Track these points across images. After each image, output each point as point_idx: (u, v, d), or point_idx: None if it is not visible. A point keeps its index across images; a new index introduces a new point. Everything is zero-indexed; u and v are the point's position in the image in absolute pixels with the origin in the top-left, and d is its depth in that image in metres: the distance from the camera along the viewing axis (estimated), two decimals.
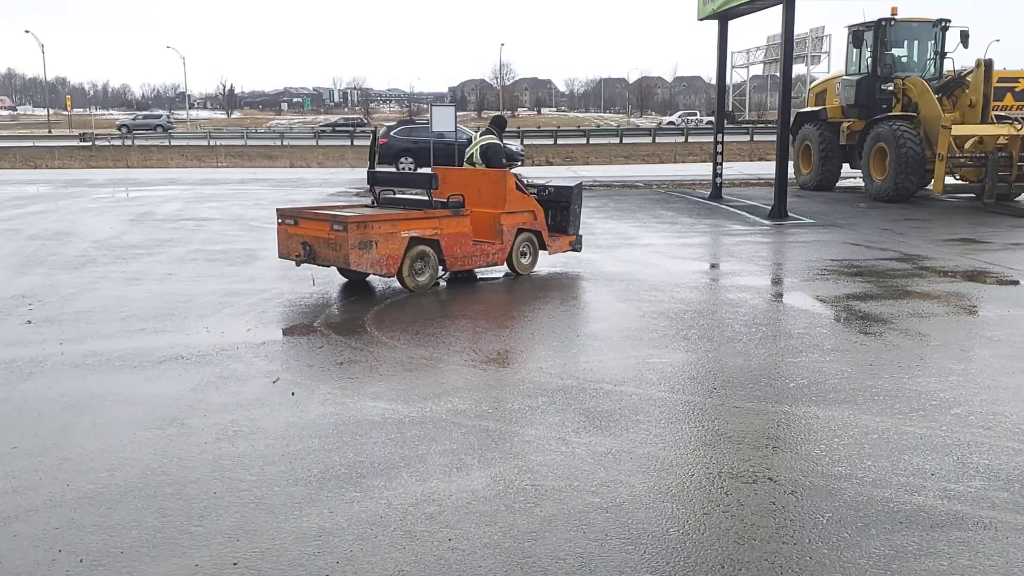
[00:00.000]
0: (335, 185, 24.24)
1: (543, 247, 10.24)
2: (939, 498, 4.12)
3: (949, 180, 17.75)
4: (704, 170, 26.25)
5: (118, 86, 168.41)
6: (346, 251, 8.42)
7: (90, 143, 43.76)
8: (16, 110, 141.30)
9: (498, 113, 15.47)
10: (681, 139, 48.30)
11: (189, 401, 5.58)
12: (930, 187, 18.34)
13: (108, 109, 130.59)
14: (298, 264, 9.07)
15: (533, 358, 6.64)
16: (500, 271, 10.10)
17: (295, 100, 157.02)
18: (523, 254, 10.02)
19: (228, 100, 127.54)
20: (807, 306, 8.69)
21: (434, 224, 9.03)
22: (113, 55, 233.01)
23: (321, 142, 47.02)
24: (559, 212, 10.53)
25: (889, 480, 4.33)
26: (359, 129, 52.81)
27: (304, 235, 8.88)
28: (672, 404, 5.53)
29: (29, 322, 7.65)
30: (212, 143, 45.50)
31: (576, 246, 10.69)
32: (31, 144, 44.32)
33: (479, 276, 9.95)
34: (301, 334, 7.37)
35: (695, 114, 79.88)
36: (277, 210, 9.49)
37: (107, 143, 43.89)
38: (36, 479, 4.34)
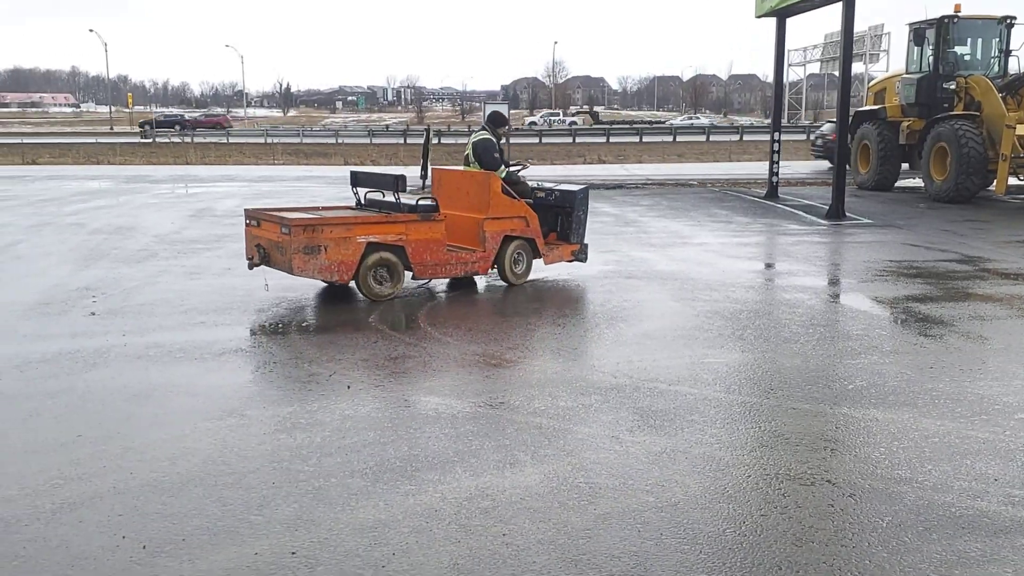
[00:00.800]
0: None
1: (538, 255, 9.47)
2: (1002, 504, 4.02)
3: (1012, 181, 17.29)
4: (759, 169, 25.94)
5: (178, 84, 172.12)
6: (289, 256, 7.93)
7: (150, 139, 44.75)
8: (79, 107, 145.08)
9: (495, 108, 14.42)
10: (736, 137, 47.80)
11: (248, 393, 5.68)
12: (992, 188, 17.89)
13: (168, 106, 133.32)
14: (251, 267, 8.63)
15: (586, 356, 6.63)
16: (556, 270, 10.07)
17: (349, 98, 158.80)
18: (516, 262, 9.29)
19: (284, 98, 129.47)
20: (866, 307, 8.54)
21: (399, 229, 8.39)
22: (174, 53, 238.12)
23: (375, 140, 47.46)
24: (565, 218, 9.82)
25: (951, 485, 4.24)
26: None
27: (260, 237, 8.43)
28: (728, 404, 5.48)
29: (93, 314, 7.85)
30: (269, 141, 46.21)
31: (580, 256, 9.86)
32: (94, 140, 45.45)
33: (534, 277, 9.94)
34: (356, 329, 7.45)
35: (558, 114, 77.23)
36: (245, 211, 9.06)
37: (167, 140, 44.86)
38: (100, 467, 4.45)
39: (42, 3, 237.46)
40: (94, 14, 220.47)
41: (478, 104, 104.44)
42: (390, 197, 8.75)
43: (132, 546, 3.61)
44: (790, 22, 19.65)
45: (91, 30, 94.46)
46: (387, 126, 55.62)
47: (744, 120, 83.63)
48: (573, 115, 70.15)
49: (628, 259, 10.95)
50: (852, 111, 20.63)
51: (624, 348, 6.78)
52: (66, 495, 4.11)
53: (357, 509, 3.96)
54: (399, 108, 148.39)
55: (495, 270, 9.27)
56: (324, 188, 22.68)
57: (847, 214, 15.80)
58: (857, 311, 8.40)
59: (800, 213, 16.65)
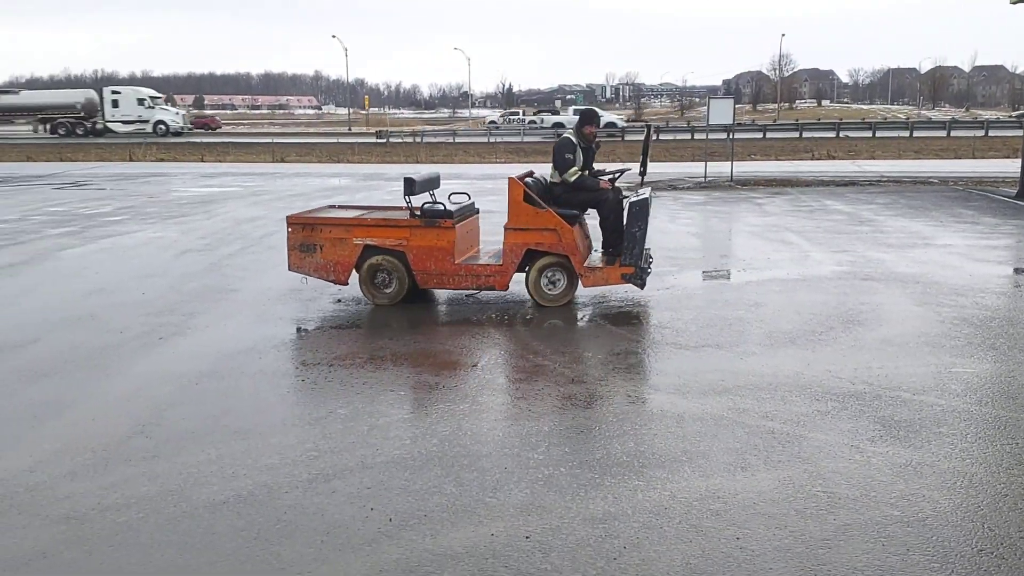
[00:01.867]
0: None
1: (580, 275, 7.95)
2: None
3: None
4: (1007, 167, 23.68)
5: (409, 87, 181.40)
6: (288, 252, 8.21)
7: (384, 140, 47.44)
8: (321, 109, 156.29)
9: (587, 106, 12.13)
10: (981, 132, 43.93)
11: (479, 381, 5.90)
12: None
13: (399, 108, 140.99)
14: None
15: (821, 360, 6.33)
16: (783, 269, 9.70)
17: (568, 97, 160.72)
18: (551, 282, 7.99)
19: (506, 98, 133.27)
20: None
21: (401, 234, 7.95)
22: (407, 57, 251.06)
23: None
24: (609, 232, 8.28)
25: None
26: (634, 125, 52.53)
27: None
28: (980, 417, 5.06)
29: (339, 301, 8.43)
30: (491, 140, 47.66)
31: (634, 279, 7.91)
32: (335, 140, 48.79)
33: (753, 277, 9.62)
34: (578, 322, 7.54)
35: (518, 113, 70.73)
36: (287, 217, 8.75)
37: (400, 140, 47.38)
38: (350, 442, 4.79)
39: (289, 11, 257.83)
40: (337, 21, 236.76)
41: (698, 99, 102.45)
42: (461, 200, 8.40)
43: (380, 518, 3.86)
44: None
45: (333, 36, 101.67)
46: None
47: (988, 115, 76.53)
48: (534, 114, 67.33)
49: (863, 260, 10.35)
50: None
51: (863, 353, 6.42)
52: (320, 467, 4.45)
53: (587, 500, 4.01)
54: (616, 105, 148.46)
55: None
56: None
57: None
58: None
59: None
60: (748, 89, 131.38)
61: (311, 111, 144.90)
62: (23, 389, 5.72)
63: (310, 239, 8.16)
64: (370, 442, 4.78)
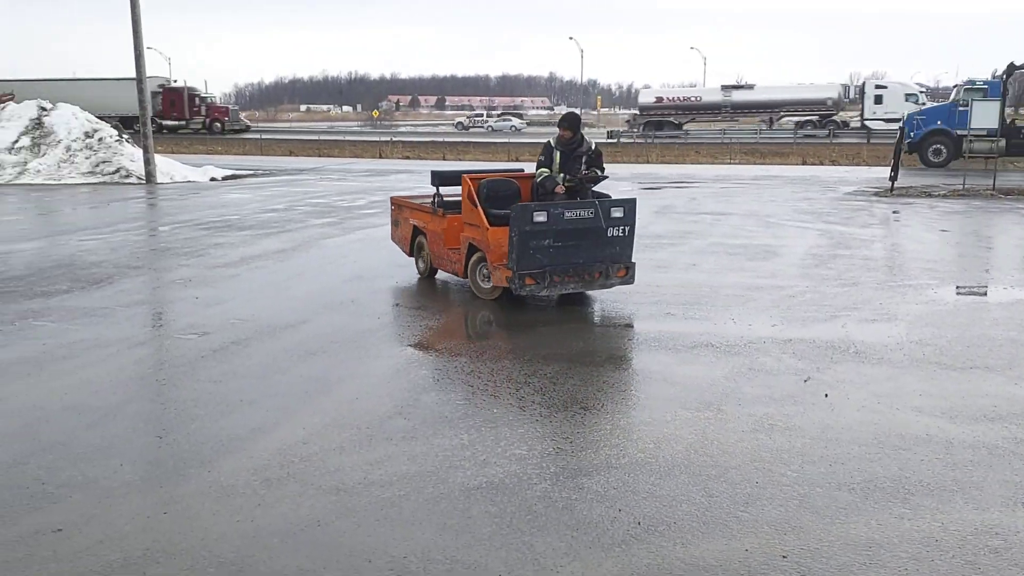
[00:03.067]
0: (851, 184, 23.12)
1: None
2: None
3: None
4: None
5: (640, 87, 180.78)
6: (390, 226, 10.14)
7: (615, 140, 47.59)
8: (552, 110, 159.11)
9: (569, 111, 11.55)
10: None
11: (723, 388, 5.75)
12: None
13: (629, 109, 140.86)
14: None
15: None
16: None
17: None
18: (484, 277, 8.16)
19: None
20: None
21: (425, 219, 9.27)
22: (640, 57, 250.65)
23: (835, 140, 45.42)
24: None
25: None
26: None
27: None
28: None
29: (600, 299, 8.52)
30: (725, 141, 46.55)
31: (513, 284, 7.65)
32: None
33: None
34: (830, 334, 7.17)
35: (482, 114, 65.46)
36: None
37: (630, 140, 47.36)
38: (594, 440, 4.84)
39: (524, 14, 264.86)
40: (572, 22, 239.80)
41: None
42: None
43: (627, 520, 3.85)
44: None
45: (571, 38, 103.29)
46: (845, 123, 52.40)
47: None
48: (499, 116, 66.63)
49: None
50: None
51: None
52: (567, 461, 4.52)
53: (847, 524, 3.80)
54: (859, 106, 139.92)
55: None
56: (780, 188, 22.21)
57: None
58: None
59: None
60: (1013, 89, 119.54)
61: (544, 112, 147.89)
62: (295, 366, 6.23)
63: (396, 216, 10.10)
64: (614, 442, 4.80)
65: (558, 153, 8.26)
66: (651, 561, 3.50)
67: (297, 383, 5.83)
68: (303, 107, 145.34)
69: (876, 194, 19.45)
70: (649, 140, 46.16)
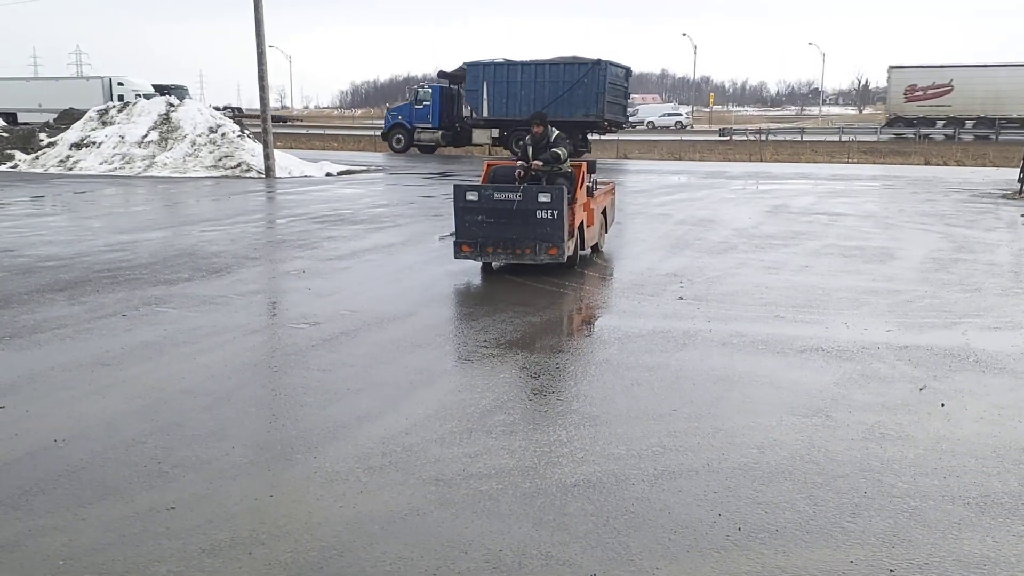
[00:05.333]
0: (976, 185, 21.96)
1: None
2: None
3: None
4: None
5: (755, 83, 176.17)
6: None
7: (728, 137, 46.69)
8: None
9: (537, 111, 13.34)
10: None
11: (832, 394, 5.57)
12: None
13: (744, 106, 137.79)
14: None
15: None
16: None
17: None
18: None
19: (861, 95, 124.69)
20: None
21: None
22: (755, 53, 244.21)
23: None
24: None
25: None
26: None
27: None
28: None
29: (681, 298, 8.41)
30: (843, 139, 45.06)
31: (455, 251, 9.34)
32: (677, 138, 48.87)
33: None
34: (949, 341, 6.85)
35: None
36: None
37: (744, 138, 46.38)
38: (694, 442, 4.74)
39: (641, 10, 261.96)
40: (685, 17, 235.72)
41: None
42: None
43: (728, 525, 3.78)
44: None
45: (684, 34, 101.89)
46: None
47: None
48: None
49: None
50: None
51: None
52: (666, 463, 4.46)
53: (960, 539, 3.63)
54: None
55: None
56: (901, 189, 21.34)
57: None
58: None
59: None
60: None
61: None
62: (401, 357, 6.36)
63: None
64: (715, 445, 4.71)
65: (530, 147, 9.67)
66: (751, 568, 3.42)
67: (402, 374, 5.95)
68: None
69: (1003, 196, 18.43)
70: (762, 138, 45.07)
